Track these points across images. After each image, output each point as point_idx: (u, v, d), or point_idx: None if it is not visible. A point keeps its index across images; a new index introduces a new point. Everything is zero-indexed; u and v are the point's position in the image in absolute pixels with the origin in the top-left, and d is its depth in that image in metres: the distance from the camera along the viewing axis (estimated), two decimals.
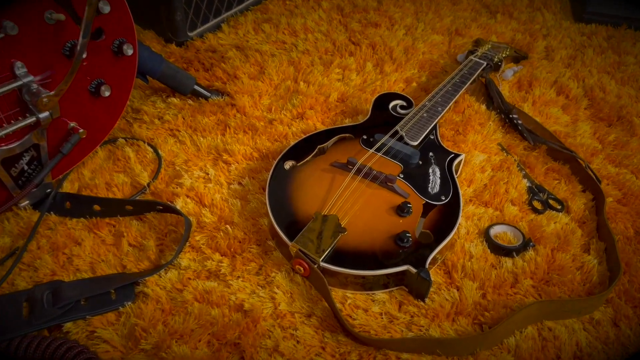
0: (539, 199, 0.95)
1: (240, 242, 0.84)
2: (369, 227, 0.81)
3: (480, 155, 1.02)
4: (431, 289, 0.79)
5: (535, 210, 0.93)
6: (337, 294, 0.79)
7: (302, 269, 0.77)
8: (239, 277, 0.80)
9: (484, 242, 0.86)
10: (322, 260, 0.76)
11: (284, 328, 0.74)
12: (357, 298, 0.78)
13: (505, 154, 1.03)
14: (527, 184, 0.97)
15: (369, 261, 0.76)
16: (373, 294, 0.79)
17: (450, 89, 1.08)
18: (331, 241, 0.77)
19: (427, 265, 0.76)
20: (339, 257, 0.77)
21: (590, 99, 1.20)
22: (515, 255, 0.85)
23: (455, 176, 0.91)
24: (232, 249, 0.83)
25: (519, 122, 1.08)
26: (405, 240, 0.78)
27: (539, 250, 0.85)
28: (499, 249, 0.85)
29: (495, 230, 0.88)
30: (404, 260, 0.77)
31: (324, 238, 0.78)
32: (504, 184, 0.96)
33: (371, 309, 0.77)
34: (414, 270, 0.75)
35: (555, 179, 0.99)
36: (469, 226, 0.89)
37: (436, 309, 0.77)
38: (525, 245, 0.86)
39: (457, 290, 0.80)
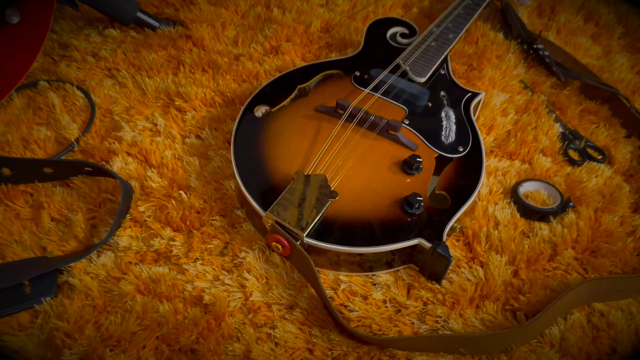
0: (576, 147, 0.77)
1: (198, 212, 0.66)
2: (366, 189, 0.62)
3: (500, 94, 0.83)
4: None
5: (571, 162, 0.75)
6: (327, 277, 0.61)
7: (280, 246, 0.59)
8: (197, 259, 0.62)
9: (512, 204, 0.69)
10: (306, 235, 0.58)
11: (257, 326, 0.57)
12: (354, 282, 0.61)
13: (530, 93, 0.84)
14: (560, 130, 0.79)
15: (367, 234, 0.59)
16: (374, 275, 0.62)
17: (462, 12, 0.87)
18: (318, 210, 0.59)
19: (444, 238, 0.59)
20: (329, 230, 0.59)
21: (624, 26, 1.01)
22: (552, 219, 0.68)
23: (475, 121, 0.72)
24: (187, 222, 0.64)
25: (546, 53, 0.89)
26: (415, 205, 0.60)
27: (580, 212, 0.68)
28: (531, 212, 0.68)
29: (525, 188, 0.71)
30: (414, 231, 0.59)
31: (309, 206, 0.59)
32: (532, 130, 0.78)
33: (372, 295, 0.60)
34: (427, 244, 0.58)
35: (592, 122, 0.82)
36: (492, 184, 0.71)
37: (456, 293, 0.60)
38: (564, 206, 0.68)
39: (481, 267, 0.63)
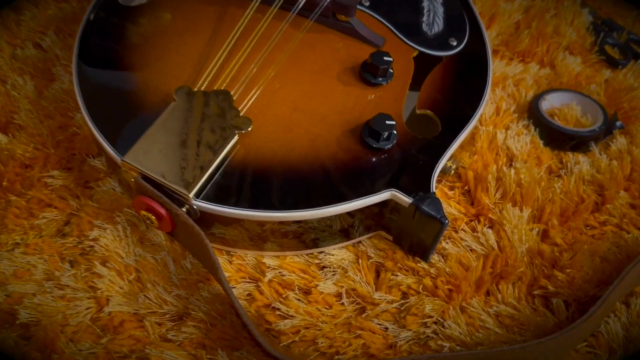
0: (614, 42, 0.54)
1: (26, 166, 0.41)
2: (301, 114, 0.38)
3: None
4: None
5: (611, 62, 0.53)
6: (244, 261, 0.38)
7: (153, 217, 0.35)
8: (15, 246, 0.37)
9: (532, 128, 0.46)
10: (195, 196, 0.34)
11: (118, 358, 0.34)
12: (287, 266, 0.38)
13: None
14: (589, 18, 0.56)
15: (305, 188, 0.35)
16: (321, 253, 0.39)
17: None
18: (216, 151, 0.35)
19: (432, 187, 0.36)
20: (238, 184, 0.35)
21: None
22: (593, 146, 0.45)
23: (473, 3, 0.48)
24: (3, 183, 0.39)
25: None
26: (384, 135, 0.36)
27: (633, 134, 0.46)
28: (561, 138, 0.45)
29: (549, 103, 0.48)
30: (384, 178, 0.36)
31: (200, 146, 0.35)
32: (551, 19, 0.54)
33: (318, 287, 0.37)
34: (406, 199, 0.35)
35: (632, 8, 0.57)
36: (500, 99, 0.48)
37: (454, 275, 0.38)
38: (609, 126, 0.46)
39: (491, 228, 0.40)
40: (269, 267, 0.38)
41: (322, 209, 0.35)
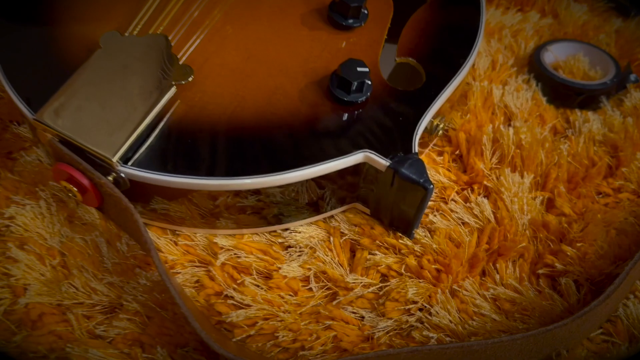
0: None
1: None
2: (255, 63, 0.32)
3: None
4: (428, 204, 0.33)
5: (620, 10, 0.47)
6: (192, 241, 0.32)
7: (74, 189, 0.29)
8: None
9: (533, 82, 0.40)
10: (123, 162, 0.28)
11: (39, 357, 0.28)
12: (245, 246, 0.32)
13: None
14: None
15: (261, 151, 0.29)
16: (286, 231, 0.33)
17: None
18: (148, 107, 0.29)
19: (414, 147, 0.30)
20: (178, 147, 0.29)
21: None
22: (604, 102, 0.39)
23: None
24: None
25: None
26: (355, 84, 0.30)
27: None
28: (568, 93, 0.40)
29: (553, 54, 0.42)
30: (357, 138, 0.30)
31: (130, 101, 0.29)
32: None
33: (281, 270, 0.31)
34: (382, 161, 0.29)
35: None
36: (495, 52, 0.42)
37: (443, 252, 0.32)
38: (622, 79, 0.40)
39: (487, 197, 0.35)
40: (222, 248, 0.32)
41: (279, 175, 0.29)
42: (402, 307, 0.30)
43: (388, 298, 0.31)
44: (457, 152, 0.37)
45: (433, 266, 0.32)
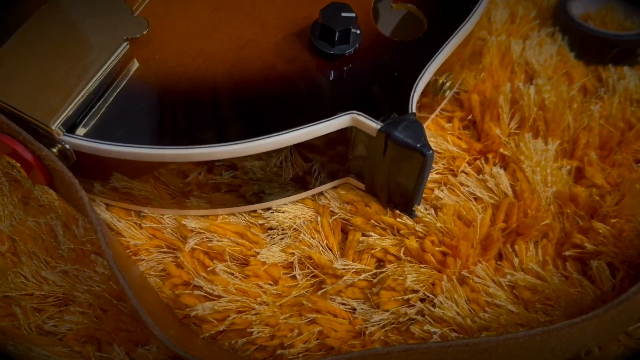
0: None
1: None
2: (227, 12, 0.28)
3: None
4: (429, 177, 0.29)
5: None
6: (160, 224, 0.28)
7: (17, 164, 0.25)
8: None
9: (558, 34, 0.35)
10: (61, 129, 0.24)
11: None
12: (219, 229, 0.28)
13: None
14: None
15: (229, 116, 0.25)
16: (267, 210, 0.29)
17: None
18: (95, 68, 0.25)
19: (412, 107, 0.25)
20: (132, 113, 0.25)
21: None
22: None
23: None
24: None
25: None
26: (339, 32, 0.25)
27: None
28: (599, 46, 0.34)
29: (581, 5, 0.36)
30: (343, 97, 0.25)
31: (73, 60, 0.25)
32: None
33: (259, 255, 0.27)
34: (373, 124, 0.24)
35: None
36: (514, 1, 0.36)
37: (450, 232, 0.27)
38: None
39: (504, 168, 0.30)
40: (192, 231, 0.28)
41: (251, 143, 0.24)
42: (400, 297, 0.26)
43: (383, 286, 0.26)
44: (470, 117, 0.32)
45: (438, 249, 0.27)
